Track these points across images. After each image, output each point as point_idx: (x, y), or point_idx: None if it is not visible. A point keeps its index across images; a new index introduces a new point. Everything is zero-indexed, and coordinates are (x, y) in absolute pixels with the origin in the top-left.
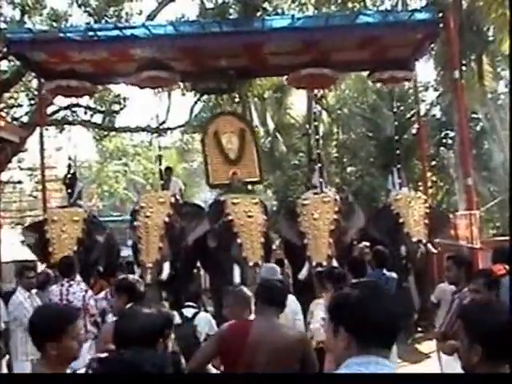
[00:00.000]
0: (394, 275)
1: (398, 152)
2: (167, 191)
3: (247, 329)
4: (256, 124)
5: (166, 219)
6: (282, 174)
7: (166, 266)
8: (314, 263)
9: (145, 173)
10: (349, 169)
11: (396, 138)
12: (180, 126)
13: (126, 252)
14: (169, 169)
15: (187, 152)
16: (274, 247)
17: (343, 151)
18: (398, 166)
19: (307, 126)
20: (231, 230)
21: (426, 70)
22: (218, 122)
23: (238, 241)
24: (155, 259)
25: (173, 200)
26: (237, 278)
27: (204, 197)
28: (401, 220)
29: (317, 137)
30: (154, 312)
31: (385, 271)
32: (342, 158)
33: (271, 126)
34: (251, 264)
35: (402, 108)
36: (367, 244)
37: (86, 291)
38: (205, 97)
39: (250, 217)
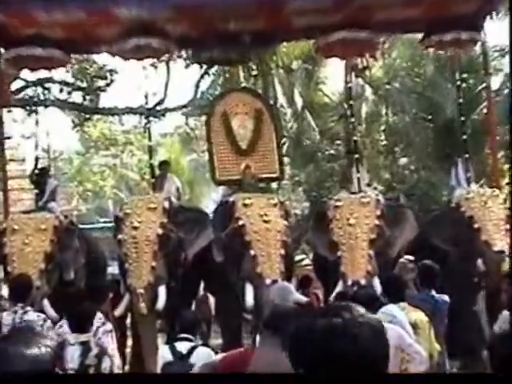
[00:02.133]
0: (446, 298)
1: (464, 138)
2: (160, 193)
3: (245, 362)
4: (281, 103)
5: (160, 231)
6: (315, 168)
7: (162, 291)
8: (349, 282)
9: (140, 167)
10: (401, 160)
11: (461, 119)
12: (183, 107)
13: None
14: (164, 163)
15: (194, 140)
16: (306, 261)
17: (393, 138)
18: (466, 155)
19: (346, 106)
20: (242, 239)
21: (500, 30)
22: (227, 101)
23: (251, 252)
24: (147, 283)
25: (167, 205)
26: (250, 301)
27: (216, 197)
28: (476, 225)
29: (352, 120)
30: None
31: (433, 292)
32: (391, 146)
33: (300, 105)
34: (268, 282)
35: (468, 81)
36: (410, 258)
37: (45, 320)
38: (214, 69)
39: (266, 222)
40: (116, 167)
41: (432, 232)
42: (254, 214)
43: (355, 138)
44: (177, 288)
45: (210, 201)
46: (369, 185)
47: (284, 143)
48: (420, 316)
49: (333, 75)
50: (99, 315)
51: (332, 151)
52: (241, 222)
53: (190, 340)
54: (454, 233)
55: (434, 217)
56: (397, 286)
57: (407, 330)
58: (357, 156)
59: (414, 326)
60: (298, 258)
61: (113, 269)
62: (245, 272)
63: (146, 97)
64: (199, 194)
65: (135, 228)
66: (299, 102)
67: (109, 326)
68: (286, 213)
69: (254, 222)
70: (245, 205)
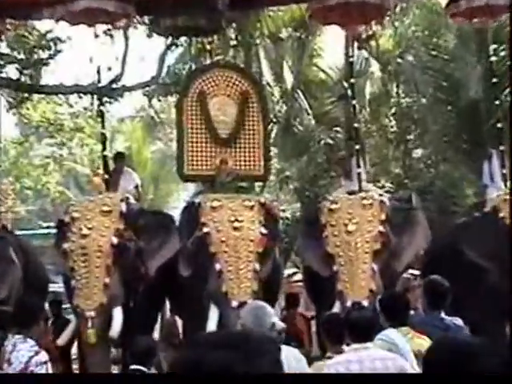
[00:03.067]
0: (460, 322)
1: (498, 125)
2: (115, 192)
3: None
4: (267, 80)
5: (114, 239)
6: (308, 161)
7: (118, 314)
8: (348, 303)
9: (92, 159)
10: (415, 152)
11: (492, 102)
12: (145, 85)
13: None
14: (120, 155)
15: (159, 126)
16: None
17: (405, 124)
18: (501, 147)
19: (346, 85)
20: (207, 251)
21: None
22: (205, 79)
23: (217, 267)
24: (99, 304)
25: (124, 207)
26: (211, 327)
27: (188, 197)
28: None
29: (354, 102)
30: None
31: (443, 315)
32: (403, 134)
33: (290, 83)
34: (234, 304)
35: (497, 55)
36: (415, 273)
37: None
38: (183, 38)
39: (236, 229)
40: (62, 159)
41: (463, 243)
42: (223, 220)
43: (356, 124)
44: (136, 310)
45: (179, 202)
46: (375, 181)
47: (271, 130)
48: (426, 344)
49: (331, 46)
50: (30, 342)
51: (329, 140)
52: (206, 229)
53: (143, 372)
54: (492, 245)
55: (464, 224)
56: (398, 306)
57: (410, 361)
58: (357, 147)
59: (419, 355)
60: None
61: (58, 286)
62: (208, 291)
63: (98, 72)
64: (166, 194)
65: (84, 236)
66: (289, 79)
67: (43, 355)
68: (268, 217)
69: (222, 229)
70: (213, 208)
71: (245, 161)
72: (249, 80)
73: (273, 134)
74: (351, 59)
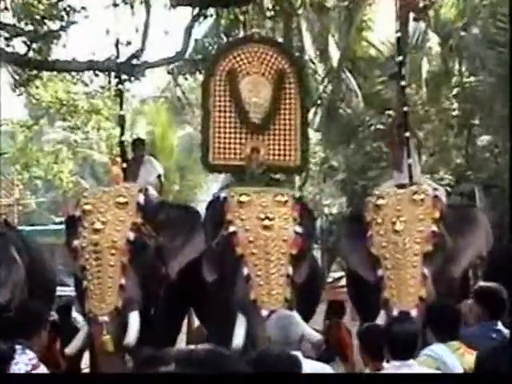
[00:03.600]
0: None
1: None
2: (133, 183)
3: None
4: (309, 57)
5: (131, 235)
6: (356, 149)
7: (134, 320)
8: (395, 312)
9: (109, 145)
10: (480, 139)
11: None
12: (169, 62)
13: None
14: (139, 142)
15: (187, 108)
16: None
17: (469, 107)
18: None
19: (399, 61)
20: (234, 252)
21: None
22: (236, 55)
23: (245, 271)
24: (114, 308)
25: (141, 199)
26: (237, 340)
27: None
28: None
29: (402, 83)
30: None
31: (500, 326)
32: (466, 119)
33: (336, 60)
34: (264, 313)
35: None
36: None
37: None
38: (211, 10)
39: (267, 228)
40: (76, 145)
41: None
42: (252, 217)
43: (405, 108)
44: (156, 316)
45: (208, 195)
46: (433, 173)
47: (315, 114)
48: None
49: (383, 18)
50: (30, 355)
51: (380, 125)
52: (232, 228)
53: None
54: None
55: None
56: (450, 317)
57: None
58: (407, 134)
59: None
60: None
61: (70, 290)
62: (235, 298)
63: (117, 46)
64: (194, 185)
65: (97, 231)
66: (335, 55)
67: (42, 371)
68: (304, 214)
69: (250, 228)
70: (240, 203)
71: (279, 150)
72: (286, 57)
73: (316, 119)
74: (398, 34)
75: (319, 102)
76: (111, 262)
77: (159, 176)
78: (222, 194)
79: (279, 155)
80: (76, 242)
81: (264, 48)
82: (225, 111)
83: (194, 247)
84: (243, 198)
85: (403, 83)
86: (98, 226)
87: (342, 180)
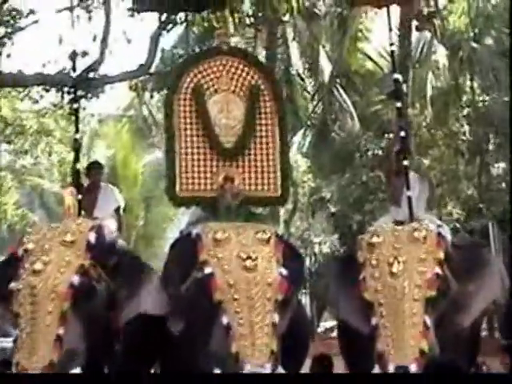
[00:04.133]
0: None
1: None
2: (85, 219)
3: None
4: (297, 71)
5: (76, 279)
6: (351, 178)
7: None
8: (390, 367)
9: (62, 171)
10: (495, 167)
11: None
12: (133, 76)
13: None
14: (95, 166)
15: (153, 129)
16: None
17: (482, 129)
18: None
19: (400, 78)
20: (210, 299)
21: None
22: (201, 70)
23: (224, 320)
24: (48, 362)
25: (93, 238)
26: None
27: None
28: None
29: (398, 104)
30: None
31: None
32: (479, 143)
33: (328, 74)
34: (248, 368)
35: None
36: None
37: None
38: (182, 16)
39: (248, 269)
40: (24, 172)
41: None
42: (231, 257)
43: (403, 131)
44: (111, 374)
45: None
46: (440, 206)
47: (303, 136)
48: None
49: (381, 26)
50: None
51: (378, 151)
52: (208, 270)
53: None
54: None
55: None
56: (454, 374)
57: None
58: (406, 162)
59: None
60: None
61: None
62: (212, 352)
63: (71, 57)
64: (161, 219)
65: (36, 272)
66: (326, 69)
67: None
68: (291, 254)
69: (230, 270)
70: (216, 241)
71: (256, 178)
72: (260, 70)
73: (305, 142)
74: (393, 47)
75: (308, 123)
76: (49, 309)
77: (119, 208)
78: (195, 231)
79: (257, 185)
80: (12, 285)
81: (234, 61)
82: (191, 135)
83: (153, 295)
84: (220, 235)
85: (399, 104)
86: (38, 266)
87: (334, 214)
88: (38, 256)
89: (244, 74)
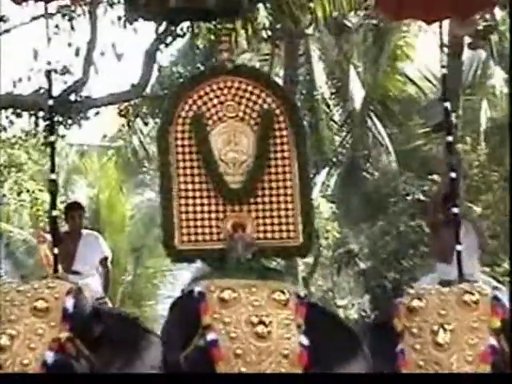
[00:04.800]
0: None
1: None
2: (63, 272)
3: None
4: (322, 94)
5: (50, 356)
6: (386, 228)
7: None
8: None
9: (35, 214)
10: None
11: None
12: (122, 98)
13: None
14: (76, 207)
15: (147, 163)
16: None
17: None
18: None
19: (446, 104)
20: (213, 370)
21: None
22: (201, 94)
23: None
24: None
25: (70, 305)
26: None
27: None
28: None
29: (450, 138)
30: None
31: None
32: None
33: (360, 99)
34: None
35: None
36: None
37: None
38: (184, 25)
39: (260, 337)
40: None
41: None
42: (240, 321)
43: (453, 172)
44: None
45: (175, 289)
46: (493, 265)
47: (329, 174)
48: None
49: (426, 43)
50: None
51: (420, 195)
52: (211, 336)
53: None
54: None
55: None
56: None
57: None
58: (456, 210)
59: None
60: None
61: None
62: None
63: (48, 75)
64: (154, 274)
65: (2, 349)
66: (358, 94)
67: None
68: (314, 319)
69: (238, 336)
70: (223, 301)
71: (272, 224)
72: (274, 92)
73: (330, 183)
74: (444, 70)
75: (334, 159)
76: None
77: (105, 260)
78: (197, 289)
79: (273, 232)
80: None
81: (242, 82)
82: (192, 174)
83: (141, 368)
84: (227, 295)
85: (450, 139)
86: (3, 341)
87: (364, 271)
88: (4, 327)
89: (254, 98)
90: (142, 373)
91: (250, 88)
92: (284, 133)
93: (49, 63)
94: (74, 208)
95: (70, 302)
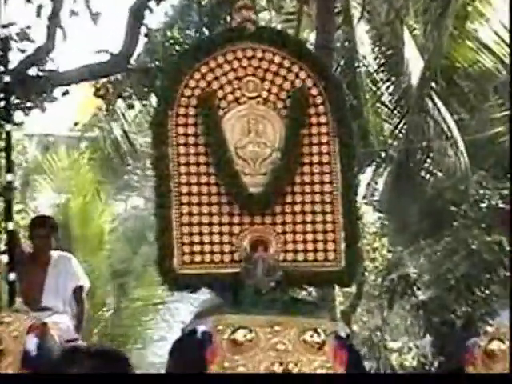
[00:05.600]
0: None
1: None
2: (26, 307)
3: None
4: (366, 69)
5: None
6: (453, 246)
7: None
8: None
9: None
10: None
11: None
12: (99, 72)
13: None
14: (43, 223)
15: (132, 161)
16: None
17: None
18: None
19: None
20: None
21: None
22: (215, 67)
23: None
24: None
25: (32, 346)
26: None
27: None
28: None
29: None
30: None
31: None
32: None
33: (417, 76)
34: None
35: None
36: None
37: None
38: None
39: None
40: None
41: None
42: (259, 370)
43: None
44: None
45: (169, 327)
46: None
47: (377, 173)
48: None
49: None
50: None
51: (499, 201)
52: None
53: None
54: None
55: None
56: None
57: None
58: None
59: None
60: None
61: None
62: None
63: (4, 43)
64: (142, 308)
65: None
66: (416, 65)
67: None
68: (357, 365)
69: None
70: (236, 344)
71: (305, 241)
72: (310, 66)
73: (378, 185)
74: None
75: (384, 154)
76: None
77: (81, 290)
78: (201, 328)
79: (305, 252)
80: None
81: (266, 50)
82: (198, 174)
83: None
84: (241, 336)
85: None
86: None
87: (424, 303)
88: None
89: (283, 72)
90: (142, 373)
91: (277, 59)
92: (322, 119)
93: (4, 26)
94: (41, 224)
95: (32, 343)
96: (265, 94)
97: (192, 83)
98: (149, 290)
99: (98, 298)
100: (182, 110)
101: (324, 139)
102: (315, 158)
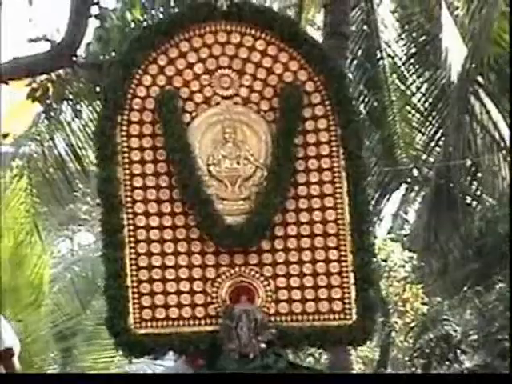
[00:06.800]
0: None
1: None
2: None
3: None
4: (391, 59)
5: None
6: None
7: None
8: None
9: None
10: None
11: None
12: (35, 68)
13: None
14: None
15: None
16: None
17: None
18: None
19: None
20: None
21: None
22: (179, 56)
23: None
24: None
25: None
26: None
27: None
28: None
29: None
30: None
31: None
32: None
33: (456, 68)
34: None
35: None
36: None
37: None
38: None
39: None
40: None
41: None
42: None
43: None
44: None
45: None
46: None
47: (407, 197)
48: None
49: None
50: None
51: None
52: None
53: None
54: None
55: None
56: None
57: None
58: None
59: None
60: None
61: None
62: None
63: None
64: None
65: None
66: (456, 56)
67: None
68: None
69: None
70: None
71: (302, 288)
72: (306, 55)
73: (408, 214)
74: None
75: (416, 173)
76: None
77: (8, 353)
78: None
79: (303, 302)
80: None
81: (246, 33)
82: (158, 200)
83: None
84: None
85: None
86: None
87: (470, 372)
88: None
89: (269, 63)
90: (142, 373)
91: (260, 45)
92: (321, 124)
93: None
94: None
95: None
96: (244, 91)
97: (147, 80)
98: (101, 355)
99: (36, 366)
100: (134, 116)
101: (324, 151)
102: (313, 177)
